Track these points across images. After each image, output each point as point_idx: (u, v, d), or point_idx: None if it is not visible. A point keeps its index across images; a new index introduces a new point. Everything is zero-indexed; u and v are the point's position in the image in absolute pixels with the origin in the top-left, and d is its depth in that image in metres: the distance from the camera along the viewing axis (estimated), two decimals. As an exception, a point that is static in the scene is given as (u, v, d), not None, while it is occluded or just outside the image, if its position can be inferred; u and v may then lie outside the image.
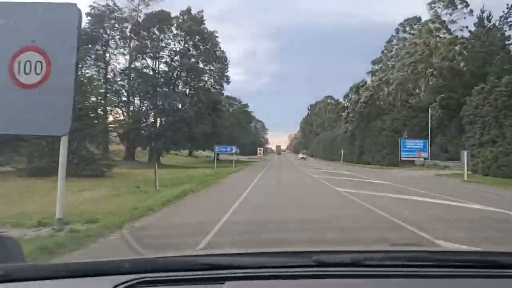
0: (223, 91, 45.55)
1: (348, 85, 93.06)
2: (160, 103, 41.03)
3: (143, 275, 1.27)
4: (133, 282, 1.23)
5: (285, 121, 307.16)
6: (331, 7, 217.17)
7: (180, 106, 42.96)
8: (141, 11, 41.55)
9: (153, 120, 41.88)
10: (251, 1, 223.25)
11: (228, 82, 44.59)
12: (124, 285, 1.21)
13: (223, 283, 1.21)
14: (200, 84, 43.00)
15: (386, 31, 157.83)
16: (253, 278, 1.28)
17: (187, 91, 43.05)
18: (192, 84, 42.67)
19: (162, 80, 42.56)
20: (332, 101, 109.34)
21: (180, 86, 42.95)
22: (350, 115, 60.00)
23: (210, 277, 1.27)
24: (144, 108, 42.17)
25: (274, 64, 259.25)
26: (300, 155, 77.65)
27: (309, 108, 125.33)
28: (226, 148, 33.14)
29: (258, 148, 76.50)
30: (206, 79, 43.27)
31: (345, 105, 63.35)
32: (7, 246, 1.47)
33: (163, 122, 41.84)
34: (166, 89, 41.72)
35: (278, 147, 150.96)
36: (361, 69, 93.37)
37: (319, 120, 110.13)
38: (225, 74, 44.14)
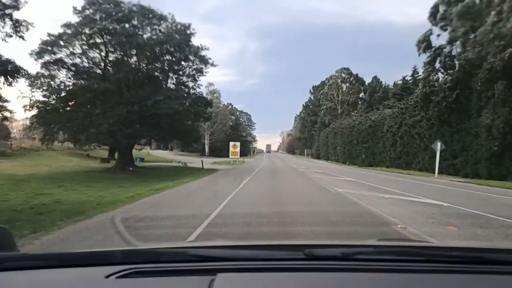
0: None
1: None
2: None
3: (135, 265, 1.27)
4: (125, 272, 1.22)
5: (277, 122, 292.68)
6: (322, 6, 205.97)
7: None
8: None
9: None
10: (240, 1, 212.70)
11: None
12: (116, 275, 1.20)
13: (215, 275, 1.19)
14: None
15: (378, 30, 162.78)
16: (244, 270, 1.27)
17: None
18: None
19: None
20: (349, 76, 73.96)
21: None
22: (446, 59, 24.28)
23: (202, 268, 1.26)
24: None
25: (265, 64, 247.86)
26: None
27: (312, 91, 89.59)
28: None
29: (232, 144, 40.17)
30: None
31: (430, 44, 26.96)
32: None
33: None
34: None
35: (268, 146, 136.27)
36: (353, 69, 71.74)
37: (328, 104, 74.42)
38: None
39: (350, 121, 53.25)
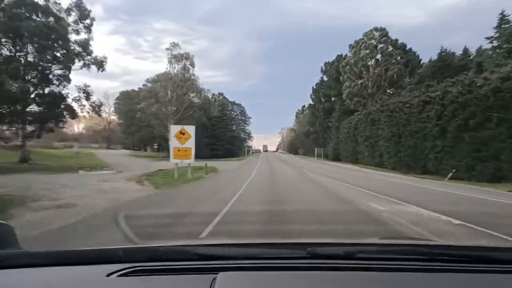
0: None
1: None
2: None
3: (136, 264, 1.25)
4: (127, 270, 1.21)
5: (276, 123, 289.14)
6: (318, 8, 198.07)
7: None
8: None
9: None
10: (238, 3, 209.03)
11: None
12: (117, 274, 1.19)
13: (217, 273, 1.17)
14: None
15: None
16: (247, 269, 1.25)
17: None
18: None
19: None
20: (385, 39, 50.12)
21: None
22: None
23: (203, 267, 1.24)
24: None
25: (263, 65, 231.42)
26: None
27: (324, 68, 65.30)
28: None
29: (176, 132, 16.23)
30: None
31: None
32: (1, 232, 1.39)
33: None
34: None
35: (264, 146, 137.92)
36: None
37: (356, 81, 50.45)
38: None
39: (409, 97, 29.41)
